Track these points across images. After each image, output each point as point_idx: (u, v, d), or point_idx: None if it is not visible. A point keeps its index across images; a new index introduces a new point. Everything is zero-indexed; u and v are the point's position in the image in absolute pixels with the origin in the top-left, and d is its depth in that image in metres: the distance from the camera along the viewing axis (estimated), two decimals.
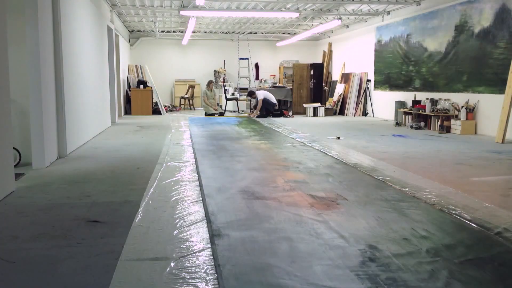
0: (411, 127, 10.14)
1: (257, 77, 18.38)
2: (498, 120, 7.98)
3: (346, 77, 15.02)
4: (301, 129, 9.83)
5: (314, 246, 2.84)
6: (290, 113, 13.97)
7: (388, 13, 12.33)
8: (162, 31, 17.16)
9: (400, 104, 11.32)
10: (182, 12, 11.53)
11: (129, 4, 11.72)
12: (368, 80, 13.78)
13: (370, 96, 13.71)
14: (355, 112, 14.18)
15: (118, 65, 12.86)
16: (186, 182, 4.60)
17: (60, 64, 6.15)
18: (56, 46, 6.10)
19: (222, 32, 17.64)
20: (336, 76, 16.34)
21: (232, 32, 17.58)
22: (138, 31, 17.35)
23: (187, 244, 2.85)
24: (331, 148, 6.90)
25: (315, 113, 13.78)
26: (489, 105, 8.73)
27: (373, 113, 13.57)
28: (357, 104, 14.23)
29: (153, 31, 16.66)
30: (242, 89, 16.75)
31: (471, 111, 9.05)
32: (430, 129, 9.91)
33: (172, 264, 2.53)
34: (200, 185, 4.45)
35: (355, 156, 6.24)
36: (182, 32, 17.05)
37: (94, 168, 5.45)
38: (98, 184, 4.60)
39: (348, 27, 15.19)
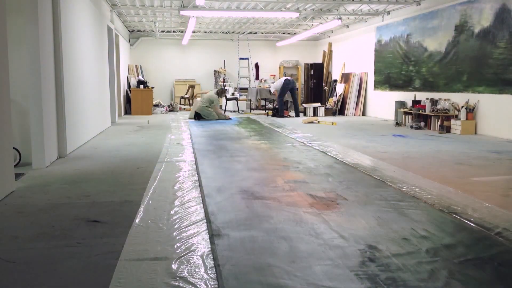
0: (411, 127, 10.14)
1: (257, 77, 18.39)
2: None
3: (346, 77, 15.03)
4: (301, 129, 9.83)
5: (313, 246, 2.84)
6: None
7: (388, 13, 12.33)
8: (162, 31, 17.16)
9: (400, 104, 11.32)
10: (182, 12, 11.53)
11: (129, 4, 11.72)
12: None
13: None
14: (355, 112, 14.19)
15: (118, 65, 12.86)
16: (186, 182, 4.61)
17: (60, 64, 6.15)
18: (56, 46, 6.10)
19: (222, 32, 17.64)
20: (336, 76, 16.34)
21: (232, 32, 17.58)
22: (138, 31, 17.35)
23: (187, 244, 2.85)
24: (331, 148, 6.90)
25: (315, 113, 13.79)
26: (489, 105, 8.73)
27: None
28: (357, 104, 14.23)
29: (153, 31, 16.66)
30: (242, 89, 16.76)
31: (471, 111, 9.05)
32: (430, 129, 9.91)
33: (172, 264, 2.53)
34: (200, 185, 4.45)
35: (355, 156, 6.24)
36: (182, 32, 17.05)
37: (94, 168, 5.45)
38: (98, 184, 4.60)
39: (348, 27, 15.20)
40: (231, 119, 11.46)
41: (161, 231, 3.11)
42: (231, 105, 15.37)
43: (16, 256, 2.70)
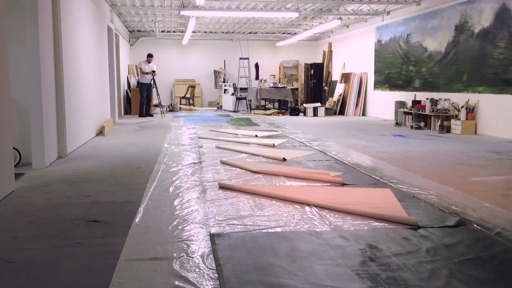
0: (411, 127, 10.14)
1: (257, 77, 18.39)
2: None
3: (346, 77, 15.03)
4: (301, 129, 9.82)
5: (314, 245, 2.84)
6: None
7: (388, 13, 12.33)
8: (162, 31, 17.16)
9: (400, 104, 11.33)
10: (182, 12, 11.53)
11: (129, 4, 11.72)
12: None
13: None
14: (355, 112, 14.20)
15: (118, 65, 12.85)
16: (185, 182, 4.60)
17: (60, 63, 6.15)
18: (56, 46, 6.10)
19: (222, 32, 17.64)
20: (336, 76, 16.34)
21: (232, 32, 17.58)
22: (138, 31, 17.35)
23: (187, 244, 2.85)
24: (331, 148, 6.89)
25: (315, 113, 13.79)
26: (489, 105, 8.73)
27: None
28: (357, 104, 14.23)
29: (153, 31, 16.66)
30: (242, 89, 16.76)
31: (471, 111, 9.05)
32: (430, 129, 9.91)
33: (172, 264, 2.53)
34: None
35: (355, 156, 6.24)
36: (182, 32, 17.05)
37: (94, 168, 5.45)
38: (98, 184, 4.59)
39: (348, 27, 15.20)
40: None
41: (161, 231, 3.10)
42: (231, 104, 15.37)
43: (16, 256, 2.70)
